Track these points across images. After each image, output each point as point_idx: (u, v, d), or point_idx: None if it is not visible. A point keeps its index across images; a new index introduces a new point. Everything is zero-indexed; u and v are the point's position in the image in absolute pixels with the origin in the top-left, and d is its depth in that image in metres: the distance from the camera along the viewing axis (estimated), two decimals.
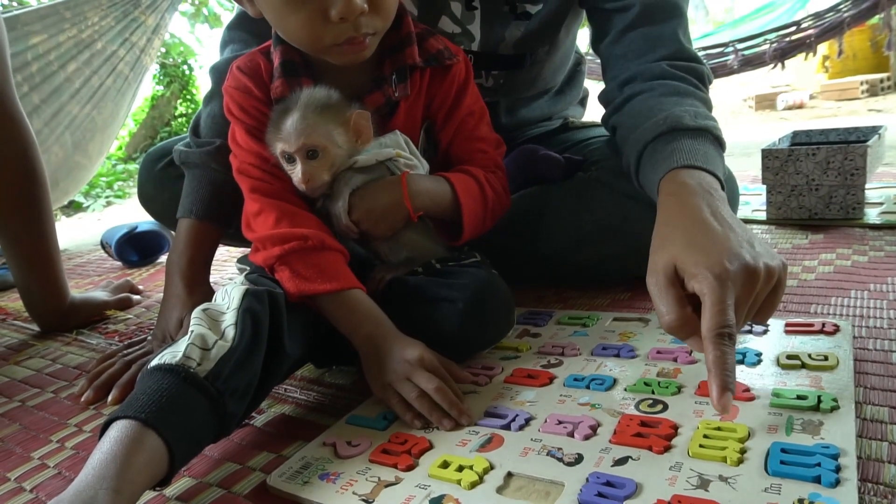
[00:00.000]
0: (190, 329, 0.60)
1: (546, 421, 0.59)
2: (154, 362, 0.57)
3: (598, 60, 0.99)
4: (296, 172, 0.73)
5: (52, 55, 2.14)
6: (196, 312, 0.62)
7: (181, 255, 0.93)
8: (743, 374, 0.62)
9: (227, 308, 0.63)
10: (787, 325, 0.72)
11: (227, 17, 6.24)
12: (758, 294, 0.56)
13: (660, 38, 0.87)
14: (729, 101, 5.42)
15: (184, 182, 0.95)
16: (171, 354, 0.57)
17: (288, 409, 0.73)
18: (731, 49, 2.80)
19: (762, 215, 1.27)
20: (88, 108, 2.29)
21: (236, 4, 0.98)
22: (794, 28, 2.78)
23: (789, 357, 0.63)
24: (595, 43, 0.95)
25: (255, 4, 0.74)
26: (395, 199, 0.74)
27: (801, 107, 4.89)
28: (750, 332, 0.72)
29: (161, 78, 7.02)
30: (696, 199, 0.63)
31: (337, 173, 0.75)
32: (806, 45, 2.68)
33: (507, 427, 0.59)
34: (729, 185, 0.74)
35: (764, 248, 0.58)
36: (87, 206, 4.47)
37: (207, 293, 0.92)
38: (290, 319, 0.67)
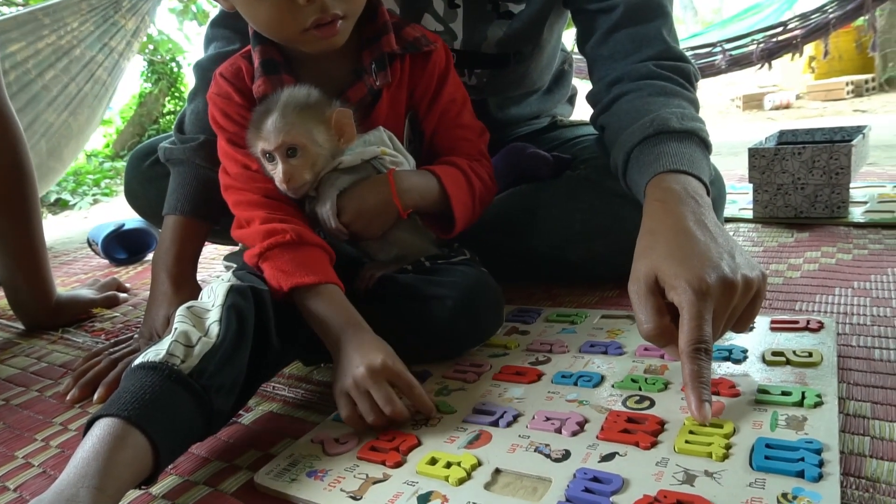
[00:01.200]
0: (174, 326, 0.60)
1: (534, 417, 0.59)
2: (138, 360, 0.57)
3: (580, 57, 0.99)
4: (277, 172, 0.73)
5: (31, 63, 2.12)
6: (180, 310, 0.62)
7: (167, 252, 0.92)
8: (728, 371, 0.63)
9: (212, 305, 0.63)
10: (772, 322, 0.73)
11: (216, 14, 6.22)
12: (735, 306, 0.57)
13: (645, 38, 0.87)
14: (716, 100, 5.46)
15: (169, 179, 0.95)
16: (155, 352, 0.57)
17: (275, 407, 0.73)
18: (718, 49, 2.82)
19: (749, 214, 1.28)
20: (65, 116, 2.26)
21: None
22: (780, 29, 2.81)
23: (774, 354, 0.64)
24: (581, 44, 0.95)
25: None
26: (383, 198, 0.74)
27: (787, 107, 4.93)
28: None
29: (149, 75, 6.97)
30: (680, 207, 0.64)
31: (319, 173, 0.74)
32: (792, 46, 2.71)
33: (495, 424, 0.59)
34: (716, 186, 0.75)
35: (744, 259, 0.58)
36: (74, 204, 4.42)
37: (194, 290, 0.92)
38: (276, 316, 0.67)
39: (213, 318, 0.61)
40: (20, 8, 5.53)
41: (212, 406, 0.57)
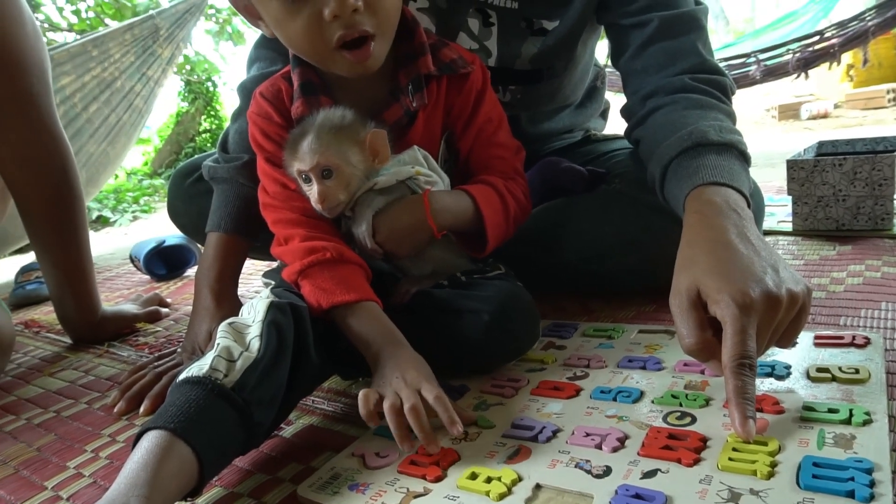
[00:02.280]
0: (216, 342, 0.62)
1: (573, 433, 0.59)
2: (183, 375, 0.59)
3: (613, 70, 0.99)
4: (312, 192, 0.75)
5: (77, 97, 2.21)
6: (222, 326, 0.64)
7: (210, 269, 0.95)
8: (772, 387, 0.62)
9: (253, 321, 0.64)
10: (816, 337, 0.71)
11: (251, 34, 6.38)
12: (780, 321, 0.56)
13: (680, 51, 0.87)
14: (751, 111, 5.37)
15: (212, 197, 0.98)
16: (199, 367, 0.59)
17: (316, 421, 0.74)
18: (752, 59, 2.79)
19: (788, 226, 1.26)
20: (104, 145, 2.36)
21: None
22: (817, 37, 2.77)
23: (819, 370, 0.63)
24: (614, 58, 0.95)
25: (268, 25, 0.76)
26: (418, 219, 0.75)
27: (825, 116, 4.83)
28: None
29: (186, 94, 7.17)
30: (721, 220, 0.63)
31: (354, 193, 0.76)
32: (830, 55, 2.67)
33: (534, 439, 0.59)
34: (755, 199, 0.74)
35: (788, 274, 0.58)
36: (114, 221, 4.56)
37: (235, 306, 0.94)
38: (314, 331, 0.68)
39: (253, 333, 0.63)
40: (65, 33, 5.76)
41: (253, 419, 0.58)
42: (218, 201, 0.96)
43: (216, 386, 0.57)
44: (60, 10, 5.90)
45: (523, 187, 0.86)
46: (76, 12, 5.95)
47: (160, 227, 3.61)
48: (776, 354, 0.68)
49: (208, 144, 7.06)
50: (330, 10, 0.67)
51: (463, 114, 0.83)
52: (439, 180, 0.79)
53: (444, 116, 0.82)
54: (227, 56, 7.02)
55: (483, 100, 0.83)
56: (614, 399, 0.64)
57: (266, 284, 0.81)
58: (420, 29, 0.80)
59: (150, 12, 2.56)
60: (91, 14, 5.95)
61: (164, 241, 1.72)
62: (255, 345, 0.61)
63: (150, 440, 0.53)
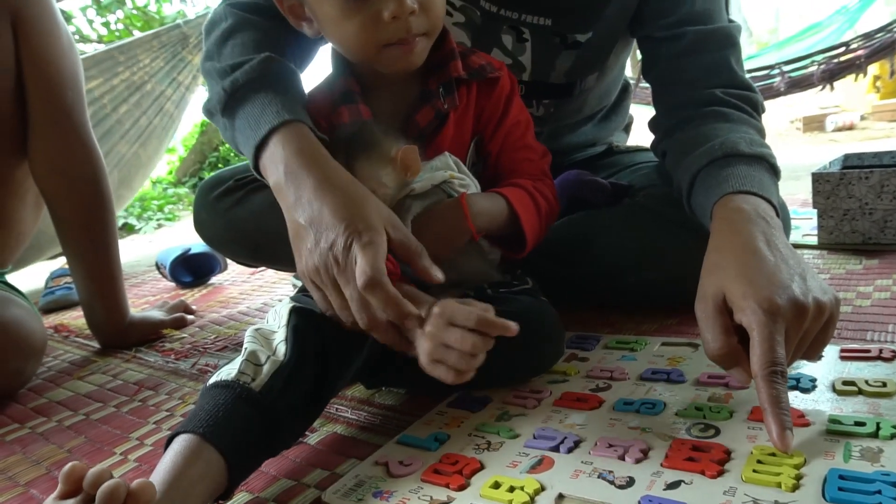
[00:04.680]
0: (244, 347, 0.63)
1: (596, 444, 0.59)
2: (212, 380, 0.60)
3: (645, 85, 1.00)
4: None
5: (106, 98, 2.26)
6: (249, 332, 0.66)
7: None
8: (797, 400, 0.61)
9: (278, 326, 0.66)
10: (842, 351, 0.71)
11: None
12: (807, 330, 0.55)
13: (713, 66, 0.87)
14: (776, 122, 5.32)
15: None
16: (228, 371, 0.60)
17: (340, 429, 0.75)
18: (777, 71, 2.76)
19: (813, 240, 1.25)
20: (136, 147, 2.40)
21: None
22: (842, 49, 2.74)
23: (845, 383, 0.62)
24: (646, 71, 0.95)
25: (312, 25, 0.77)
26: (457, 222, 0.74)
27: (851, 128, 4.76)
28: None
29: None
30: (749, 226, 0.63)
31: (392, 203, 0.76)
32: (856, 66, 2.63)
33: (556, 449, 0.59)
34: (782, 214, 0.74)
35: (816, 283, 0.57)
36: (139, 229, 4.63)
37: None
38: (336, 337, 0.68)
39: (279, 338, 0.64)
40: (95, 44, 5.90)
41: (280, 423, 0.59)
42: (254, 110, 0.74)
43: (244, 390, 0.58)
44: (90, 21, 6.05)
45: (551, 188, 0.86)
46: (105, 24, 6.10)
47: (184, 235, 3.67)
48: (801, 367, 0.68)
49: (232, 154, 7.16)
50: (390, 12, 0.68)
51: (493, 118, 0.83)
52: (472, 184, 0.80)
53: (475, 121, 0.83)
54: None
55: (512, 103, 0.84)
56: (637, 411, 0.64)
57: (295, 286, 0.82)
58: (450, 36, 0.82)
59: (178, 21, 2.62)
60: (120, 26, 6.10)
61: (189, 249, 1.75)
62: (282, 349, 0.63)
63: (179, 444, 0.54)
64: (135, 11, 6.10)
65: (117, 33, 6.02)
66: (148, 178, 2.73)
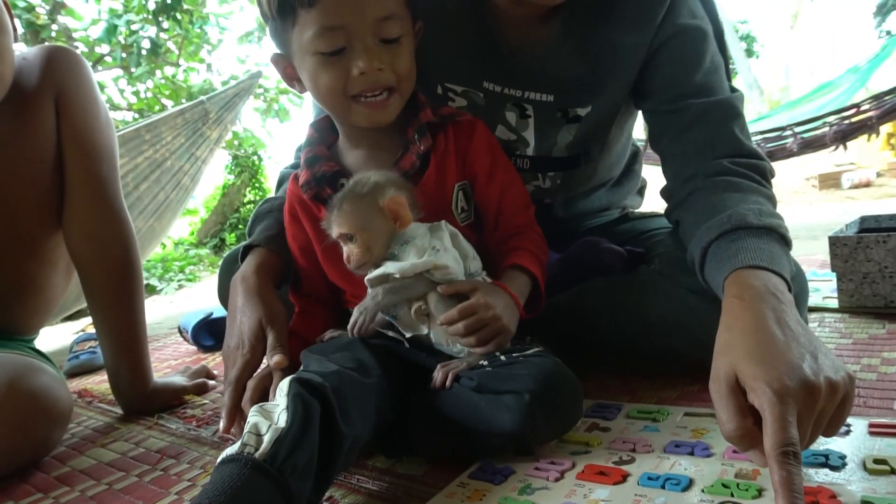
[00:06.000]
0: (248, 421, 0.65)
1: None
2: (221, 456, 0.61)
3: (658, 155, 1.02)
4: (344, 252, 0.85)
5: (130, 177, 2.36)
6: (254, 408, 0.67)
7: (244, 273, 0.97)
8: (827, 479, 0.60)
9: (280, 397, 0.67)
10: (870, 425, 0.70)
11: (296, 112, 6.71)
12: (822, 410, 0.55)
13: (719, 136, 0.89)
14: (791, 180, 5.34)
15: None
16: (234, 446, 0.62)
17: (361, 500, 0.75)
18: (789, 133, 2.80)
19: (834, 303, 1.24)
20: (152, 221, 2.49)
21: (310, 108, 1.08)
22: (854, 110, 2.78)
23: (876, 461, 0.61)
24: (653, 142, 0.98)
25: (301, 83, 0.89)
26: (511, 309, 0.82)
27: (867, 185, 4.77)
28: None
29: (232, 168, 7.49)
30: (760, 304, 0.64)
31: (379, 254, 0.83)
32: (868, 127, 2.66)
33: None
34: (797, 282, 0.74)
35: (828, 361, 0.57)
36: (161, 290, 4.70)
37: (273, 299, 0.94)
38: (344, 401, 0.69)
39: (280, 407, 0.65)
40: (124, 112, 6.14)
41: (290, 489, 0.60)
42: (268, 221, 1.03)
43: (248, 460, 0.59)
44: (122, 91, 6.34)
45: (538, 231, 0.94)
46: (136, 93, 6.38)
47: (205, 295, 3.72)
48: (829, 443, 0.67)
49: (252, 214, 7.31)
50: (358, 68, 0.80)
51: (482, 163, 0.91)
52: (455, 273, 0.82)
53: (461, 164, 0.91)
54: (273, 132, 7.38)
55: (499, 154, 0.93)
56: (662, 486, 0.64)
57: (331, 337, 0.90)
58: (418, 93, 0.91)
59: (201, 98, 2.74)
60: (149, 94, 6.38)
61: (211, 314, 1.77)
62: (283, 417, 0.64)
63: None
64: (163, 81, 6.38)
65: (146, 101, 6.28)
66: (158, 246, 2.82)
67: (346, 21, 0.79)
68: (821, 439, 0.65)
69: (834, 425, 0.57)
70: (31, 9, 5.34)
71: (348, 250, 0.84)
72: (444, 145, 0.89)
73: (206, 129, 2.67)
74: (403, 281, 0.81)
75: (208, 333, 1.80)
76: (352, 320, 0.84)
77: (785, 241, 0.76)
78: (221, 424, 0.88)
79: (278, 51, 0.90)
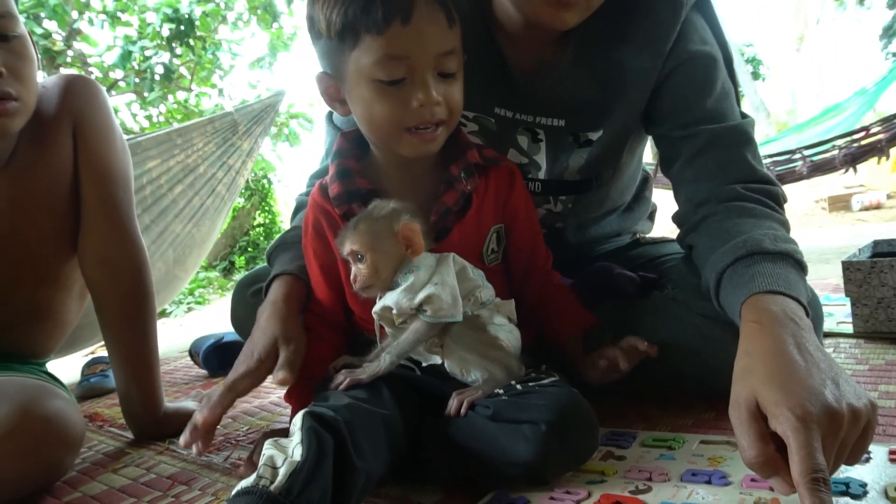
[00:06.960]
0: (262, 454, 0.65)
1: None
2: (236, 489, 0.62)
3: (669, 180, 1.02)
4: (353, 272, 0.85)
5: (163, 179, 2.38)
6: (268, 442, 0.67)
7: (273, 298, 0.96)
8: None
9: (294, 431, 0.67)
10: (891, 453, 0.69)
11: (306, 136, 6.78)
12: (844, 438, 0.54)
13: (731, 162, 0.90)
14: (800, 202, 5.33)
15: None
16: (248, 479, 0.62)
17: None
18: (798, 156, 2.80)
19: (849, 328, 1.23)
20: (189, 227, 2.50)
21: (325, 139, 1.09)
22: (863, 133, 2.78)
23: None
24: (664, 167, 0.98)
25: (344, 105, 0.87)
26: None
27: (878, 207, 4.75)
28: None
29: (243, 191, 7.55)
30: (779, 329, 0.63)
31: (387, 278, 0.83)
32: (877, 150, 2.67)
33: None
34: (813, 307, 0.74)
35: (850, 387, 0.57)
36: (170, 313, 4.72)
37: (296, 324, 0.93)
38: (356, 435, 0.69)
39: (295, 441, 0.66)
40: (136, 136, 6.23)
41: None
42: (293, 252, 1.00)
43: (264, 493, 0.60)
44: (134, 115, 6.43)
45: (558, 277, 0.99)
46: (148, 117, 6.47)
47: (214, 319, 3.73)
48: (850, 471, 0.66)
49: (262, 238, 7.37)
50: (418, 101, 0.79)
51: (519, 211, 0.92)
52: (448, 311, 0.81)
53: (501, 208, 0.91)
54: (283, 156, 7.46)
55: (532, 205, 0.95)
56: None
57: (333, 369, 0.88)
58: (462, 130, 0.91)
59: (229, 109, 2.78)
60: (161, 119, 6.47)
61: (222, 338, 1.78)
62: (298, 451, 0.64)
63: None
64: (175, 105, 6.47)
65: (158, 125, 6.37)
66: (202, 259, 2.81)
67: (410, 52, 0.78)
68: (841, 467, 0.64)
69: (856, 453, 0.57)
70: (47, 35, 5.45)
71: (356, 270, 0.84)
72: (485, 187, 0.90)
73: (237, 140, 2.70)
74: (402, 345, 0.82)
75: (218, 358, 1.80)
76: (359, 377, 0.82)
77: (801, 267, 0.76)
78: (198, 416, 0.86)
79: (323, 69, 0.88)
